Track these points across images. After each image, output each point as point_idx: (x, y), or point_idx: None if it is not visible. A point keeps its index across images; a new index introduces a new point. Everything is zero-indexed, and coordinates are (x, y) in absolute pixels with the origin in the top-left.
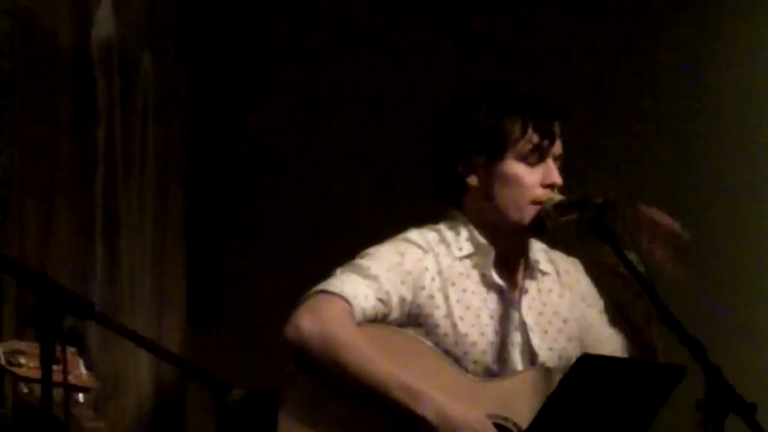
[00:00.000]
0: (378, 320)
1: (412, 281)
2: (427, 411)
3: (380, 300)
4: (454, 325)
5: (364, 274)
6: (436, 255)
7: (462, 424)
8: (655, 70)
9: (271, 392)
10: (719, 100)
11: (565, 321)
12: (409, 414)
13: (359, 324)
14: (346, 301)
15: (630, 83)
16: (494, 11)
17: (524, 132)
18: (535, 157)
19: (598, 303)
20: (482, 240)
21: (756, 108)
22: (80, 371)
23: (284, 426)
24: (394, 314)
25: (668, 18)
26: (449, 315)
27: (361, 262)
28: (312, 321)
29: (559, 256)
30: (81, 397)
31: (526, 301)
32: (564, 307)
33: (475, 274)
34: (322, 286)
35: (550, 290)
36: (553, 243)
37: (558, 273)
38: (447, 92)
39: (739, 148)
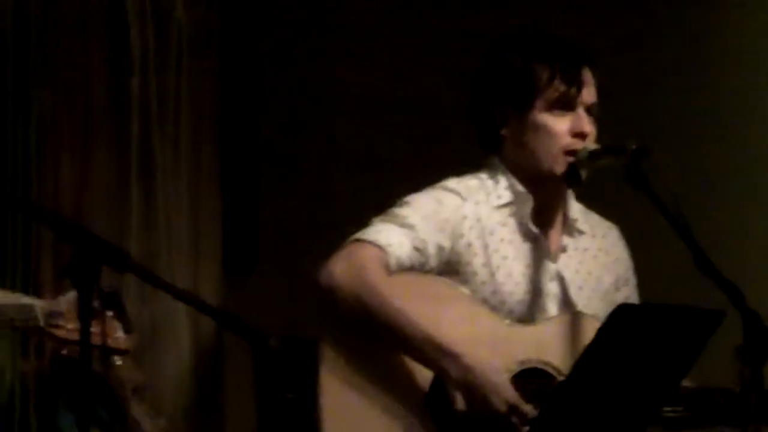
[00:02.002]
0: (415, 269)
1: (450, 229)
2: (451, 368)
3: (416, 249)
4: (492, 274)
5: (401, 222)
6: (476, 203)
7: (484, 386)
8: (657, 67)
9: (310, 341)
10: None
11: (598, 281)
12: (434, 368)
13: (395, 272)
14: (382, 249)
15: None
16: (501, 10)
17: (551, 80)
18: (564, 105)
19: (630, 269)
20: (521, 188)
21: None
22: (118, 334)
23: (326, 376)
24: (432, 263)
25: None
26: (487, 263)
27: (398, 210)
28: (346, 269)
29: (597, 219)
30: (118, 359)
31: (563, 257)
32: (599, 267)
33: (513, 223)
34: (358, 234)
35: (586, 249)
36: (592, 206)
37: (594, 235)
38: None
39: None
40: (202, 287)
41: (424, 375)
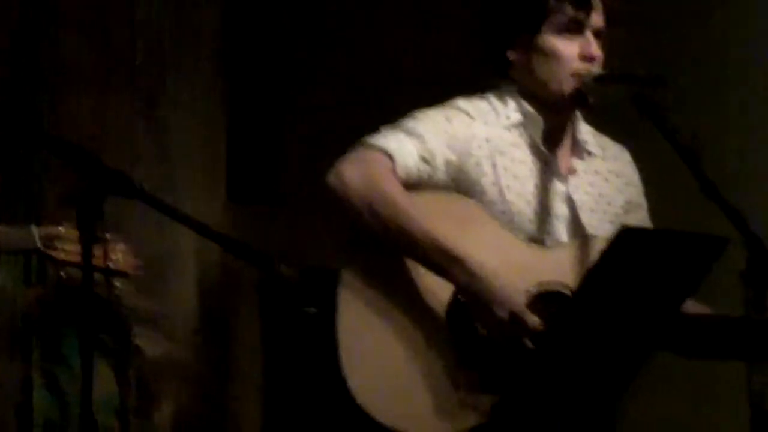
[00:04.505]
0: (423, 180)
1: (459, 146)
2: (458, 273)
3: (424, 159)
4: (501, 193)
5: (410, 132)
6: (485, 123)
7: (488, 292)
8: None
9: (327, 270)
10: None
11: (609, 203)
12: (442, 273)
13: (402, 179)
14: (390, 155)
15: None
16: None
17: (560, 3)
18: (572, 29)
19: (641, 193)
20: (530, 109)
21: None
22: (119, 257)
23: (345, 298)
24: (439, 175)
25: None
26: (496, 183)
27: (407, 121)
28: (355, 171)
29: (607, 141)
30: (120, 282)
31: (573, 179)
32: (609, 190)
33: (522, 144)
34: (366, 138)
35: (597, 171)
36: (602, 129)
37: (605, 157)
38: None
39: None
40: (209, 216)
41: (443, 297)
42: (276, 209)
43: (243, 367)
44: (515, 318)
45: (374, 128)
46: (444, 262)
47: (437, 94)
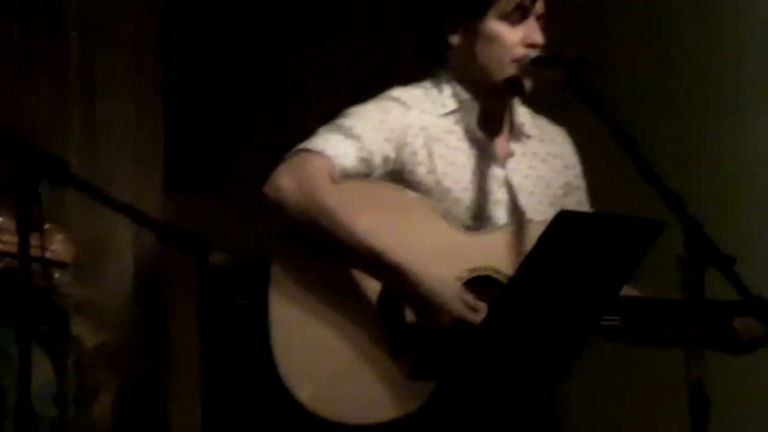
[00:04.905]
0: (361, 177)
1: (395, 139)
2: (400, 283)
3: (362, 159)
4: (438, 182)
5: (347, 133)
6: (421, 111)
7: (431, 300)
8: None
9: (261, 257)
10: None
11: (548, 186)
12: (383, 282)
13: (340, 183)
14: (327, 159)
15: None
16: None
17: None
18: (517, 15)
19: (580, 174)
20: (466, 96)
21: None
22: (57, 246)
23: (276, 290)
24: (378, 172)
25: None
26: (433, 171)
27: (343, 121)
28: (292, 181)
29: (545, 123)
30: (58, 272)
31: (511, 163)
32: (548, 172)
33: (459, 130)
34: (303, 144)
35: (535, 154)
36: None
37: (543, 139)
38: None
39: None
40: (144, 204)
41: (374, 287)
42: (213, 197)
43: (181, 353)
44: (461, 323)
45: (312, 115)
46: (386, 272)
47: (377, 82)
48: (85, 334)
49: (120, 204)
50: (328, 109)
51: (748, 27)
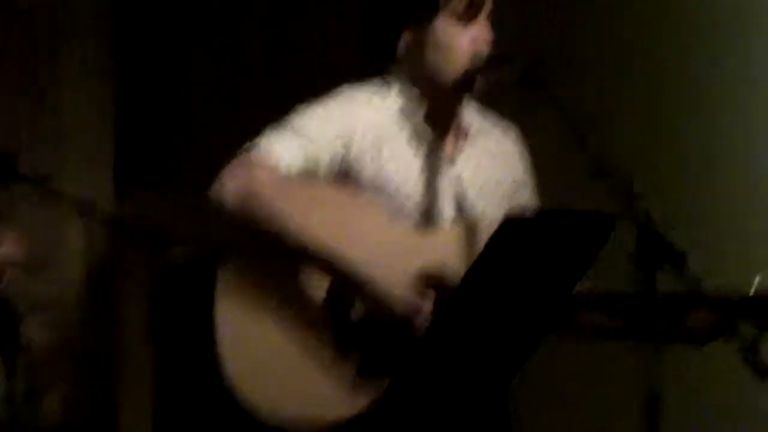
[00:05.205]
0: (309, 176)
1: (343, 138)
2: (348, 284)
3: (309, 158)
4: (387, 180)
5: (295, 132)
6: (369, 110)
7: (379, 302)
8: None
9: (211, 253)
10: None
11: (497, 182)
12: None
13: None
14: (275, 159)
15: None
16: None
17: None
18: (469, 14)
19: (528, 170)
20: (414, 95)
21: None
22: (8, 245)
23: (222, 294)
24: (325, 172)
25: None
26: (381, 169)
27: (292, 120)
28: (237, 181)
29: (494, 120)
30: (9, 272)
31: (460, 161)
32: (497, 169)
33: (407, 128)
34: (250, 144)
35: (484, 151)
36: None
37: (491, 136)
38: None
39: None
40: (97, 201)
41: (321, 287)
42: (165, 192)
43: (132, 351)
44: (409, 324)
45: (265, 109)
46: (335, 273)
47: (326, 79)
48: (36, 332)
49: (72, 199)
50: (281, 103)
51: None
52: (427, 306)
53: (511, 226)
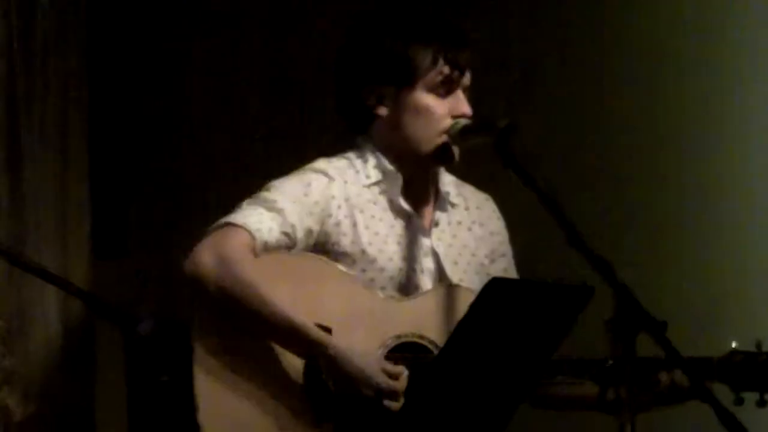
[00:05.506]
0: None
1: (318, 211)
2: (320, 357)
3: (285, 233)
4: (363, 251)
5: (269, 207)
6: (344, 182)
7: (352, 374)
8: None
9: (182, 323)
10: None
11: (473, 254)
12: (304, 357)
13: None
14: (249, 234)
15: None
16: None
17: (434, 63)
18: (445, 88)
19: (506, 241)
20: (390, 167)
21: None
22: None
23: (200, 363)
24: (300, 247)
25: None
26: (357, 241)
27: (266, 194)
28: (211, 256)
29: (470, 191)
30: None
31: (436, 232)
32: (473, 240)
33: (383, 201)
34: (225, 218)
35: (460, 223)
36: (467, 179)
37: (468, 207)
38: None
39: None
40: (72, 272)
41: (298, 359)
42: (140, 262)
43: (107, 423)
44: (383, 394)
45: (237, 176)
46: (306, 347)
47: (296, 147)
48: (13, 404)
49: (47, 273)
50: (253, 177)
51: None
52: (401, 384)
53: (496, 287)
